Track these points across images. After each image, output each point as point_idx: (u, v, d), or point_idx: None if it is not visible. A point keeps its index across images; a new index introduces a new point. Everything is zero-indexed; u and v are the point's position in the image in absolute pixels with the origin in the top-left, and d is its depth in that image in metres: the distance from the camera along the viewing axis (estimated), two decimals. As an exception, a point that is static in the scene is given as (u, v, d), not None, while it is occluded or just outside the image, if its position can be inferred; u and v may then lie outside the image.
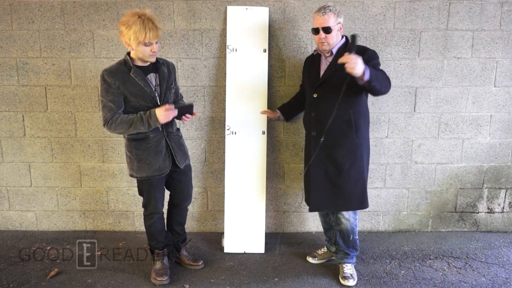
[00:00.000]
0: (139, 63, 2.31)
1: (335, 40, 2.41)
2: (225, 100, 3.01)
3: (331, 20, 2.35)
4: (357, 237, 2.62)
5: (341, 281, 2.55)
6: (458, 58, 3.00)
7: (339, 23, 2.40)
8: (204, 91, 3.02)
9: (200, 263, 2.71)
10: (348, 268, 2.60)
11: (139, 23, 2.14)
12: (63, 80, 3.00)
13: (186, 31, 2.93)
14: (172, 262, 2.69)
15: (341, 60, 2.15)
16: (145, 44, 2.20)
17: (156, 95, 2.36)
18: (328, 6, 2.37)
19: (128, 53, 2.31)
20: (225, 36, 2.94)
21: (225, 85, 2.99)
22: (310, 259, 2.81)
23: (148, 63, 2.34)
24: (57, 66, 2.98)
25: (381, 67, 2.44)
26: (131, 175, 2.47)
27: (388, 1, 2.90)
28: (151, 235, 2.59)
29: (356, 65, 2.10)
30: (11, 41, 2.95)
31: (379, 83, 2.25)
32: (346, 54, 2.13)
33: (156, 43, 2.25)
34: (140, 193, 2.55)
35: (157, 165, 2.40)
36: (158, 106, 2.35)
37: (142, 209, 2.58)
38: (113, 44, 2.95)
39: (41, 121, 3.06)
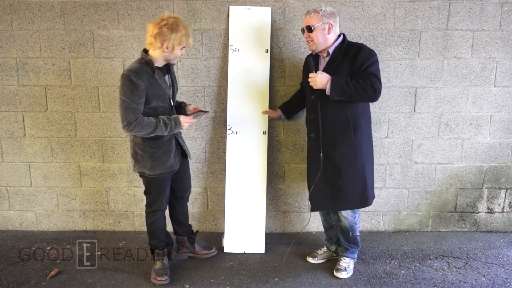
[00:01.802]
0: (158, 64, 2.34)
1: (321, 40, 2.42)
2: (225, 100, 3.01)
3: (313, 19, 2.40)
4: (357, 234, 2.65)
5: (334, 272, 2.63)
6: (458, 58, 3.00)
7: (326, 22, 2.40)
8: (204, 91, 3.02)
9: (213, 249, 2.83)
10: (345, 262, 2.66)
11: (183, 28, 2.25)
12: (63, 80, 3.00)
13: (186, 31, 2.93)
14: (185, 259, 2.76)
15: (310, 74, 2.44)
16: (181, 48, 2.30)
17: (170, 95, 2.43)
18: (315, 7, 2.43)
19: (145, 52, 2.31)
20: (225, 36, 2.94)
21: (225, 85, 2.99)
22: (310, 259, 2.81)
23: (163, 65, 2.38)
24: (57, 66, 2.99)
25: (380, 67, 2.43)
26: (142, 173, 2.45)
27: (388, 1, 2.90)
28: (153, 233, 2.59)
29: (316, 83, 2.38)
30: (11, 41, 2.95)
31: (347, 96, 2.36)
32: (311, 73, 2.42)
33: None
34: (148, 191, 2.53)
35: (169, 163, 2.45)
36: (171, 106, 2.44)
37: (144, 209, 2.58)
38: (113, 44, 2.95)
39: (41, 121, 3.06)
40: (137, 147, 2.41)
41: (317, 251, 2.86)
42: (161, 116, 2.32)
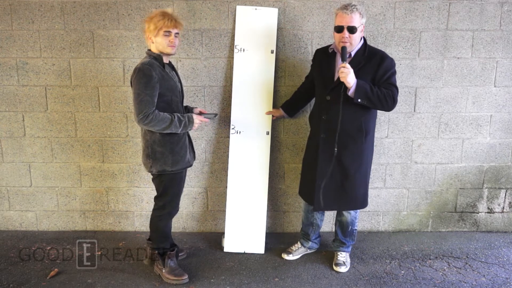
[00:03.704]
0: (165, 60, 2.40)
1: (357, 42, 2.37)
2: (225, 100, 3.01)
3: (356, 20, 2.30)
4: (355, 228, 2.73)
5: (334, 267, 2.68)
6: (458, 58, 3.00)
7: (362, 24, 2.36)
8: (204, 91, 3.02)
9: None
10: (342, 256, 2.72)
11: (160, 15, 2.28)
12: (63, 80, 3.00)
13: (186, 31, 2.93)
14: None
15: (340, 65, 2.31)
16: (164, 34, 2.28)
17: (180, 90, 2.50)
18: (355, 5, 2.32)
19: (149, 51, 2.38)
20: (226, 36, 2.94)
21: (226, 85, 2.99)
22: (285, 256, 2.84)
23: (169, 61, 2.45)
24: (57, 66, 2.98)
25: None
26: (163, 171, 2.41)
27: (388, 1, 2.90)
28: (164, 236, 2.58)
29: (346, 76, 2.27)
30: (11, 41, 2.95)
31: (368, 101, 2.34)
32: (341, 63, 2.31)
33: (175, 36, 2.34)
34: (164, 192, 2.50)
35: (186, 158, 2.48)
36: (182, 101, 2.51)
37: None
38: (113, 44, 2.95)
39: (41, 121, 3.06)
40: (156, 145, 2.38)
41: (291, 247, 2.89)
42: (175, 113, 2.35)
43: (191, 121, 2.36)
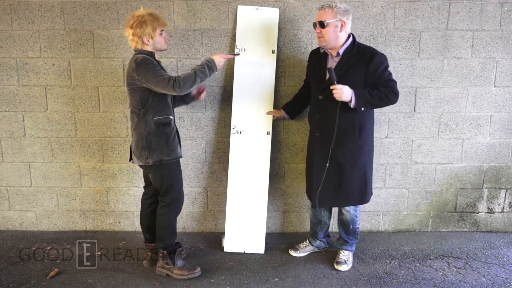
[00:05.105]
0: (156, 57, 2.45)
1: (332, 37, 2.40)
2: (225, 100, 3.01)
3: (327, 15, 2.37)
4: (357, 226, 2.73)
5: (335, 265, 2.70)
6: (458, 58, 3.00)
7: (340, 20, 2.38)
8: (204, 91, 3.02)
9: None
10: (344, 255, 2.73)
11: (149, 16, 2.35)
12: (63, 80, 3.00)
13: (186, 31, 2.93)
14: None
15: (331, 87, 2.36)
16: (160, 33, 2.38)
17: None
18: (329, 4, 2.40)
19: (137, 49, 2.39)
20: (226, 36, 2.94)
21: (225, 85, 3.00)
22: (292, 252, 2.87)
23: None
24: (57, 66, 2.98)
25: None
26: (160, 161, 2.42)
27: (388, 1, 2.90)
28: (173, 231, 2.59)
29: (342, 94, 2.32)
30: (11, 41, 2.95)
31: (371, 105, 2.40)
32: (333, 85, 2.35)
33: None
34: (170, 184, 2.50)
35: (178, 149, 2.52)
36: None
37: (167, 207, 2.53)
38: (113, 44, 2.95)
39: (41, 121, 3.06)
40: (151, 135, 2.40)
41: (299, 245, 2.91)
42: (193, 68, 2.39)
43: (212, 62, 2.39)
